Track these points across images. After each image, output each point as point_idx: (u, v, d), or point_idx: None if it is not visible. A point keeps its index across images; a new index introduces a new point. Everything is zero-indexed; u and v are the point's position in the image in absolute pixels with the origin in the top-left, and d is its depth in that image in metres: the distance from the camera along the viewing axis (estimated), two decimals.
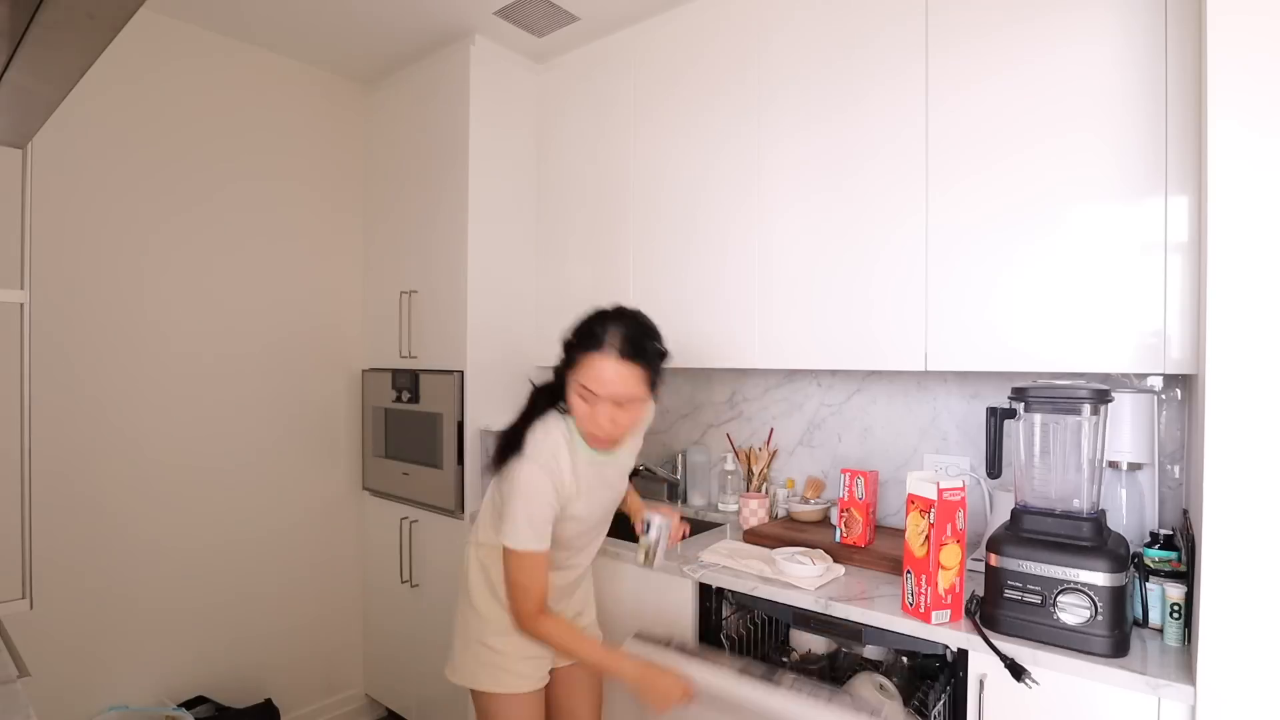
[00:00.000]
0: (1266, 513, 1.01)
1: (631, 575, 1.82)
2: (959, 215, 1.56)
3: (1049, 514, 1.31)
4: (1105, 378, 1.62)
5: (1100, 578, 1.19)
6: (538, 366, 2.49)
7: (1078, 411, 1.31)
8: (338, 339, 2.64)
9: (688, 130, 2.06)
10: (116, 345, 2.08)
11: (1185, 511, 1.50)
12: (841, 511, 1.77)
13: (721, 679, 1.29)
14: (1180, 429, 1.57)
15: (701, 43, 2.03)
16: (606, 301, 1.31)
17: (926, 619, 1.34)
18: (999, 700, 1.26)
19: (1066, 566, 1.22)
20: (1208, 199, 1.06)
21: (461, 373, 2.26)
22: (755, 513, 2.02)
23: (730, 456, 2.26)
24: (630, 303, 2.17)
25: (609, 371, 1.26)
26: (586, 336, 1.31)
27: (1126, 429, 1.45)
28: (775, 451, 2.22)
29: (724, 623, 1.72)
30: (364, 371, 2.65)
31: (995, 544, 1.31)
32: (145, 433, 2.14)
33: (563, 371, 1.36)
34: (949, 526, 1.33)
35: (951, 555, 1.33)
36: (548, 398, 1.41)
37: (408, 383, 2.43)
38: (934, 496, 1.31)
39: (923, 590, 1.34)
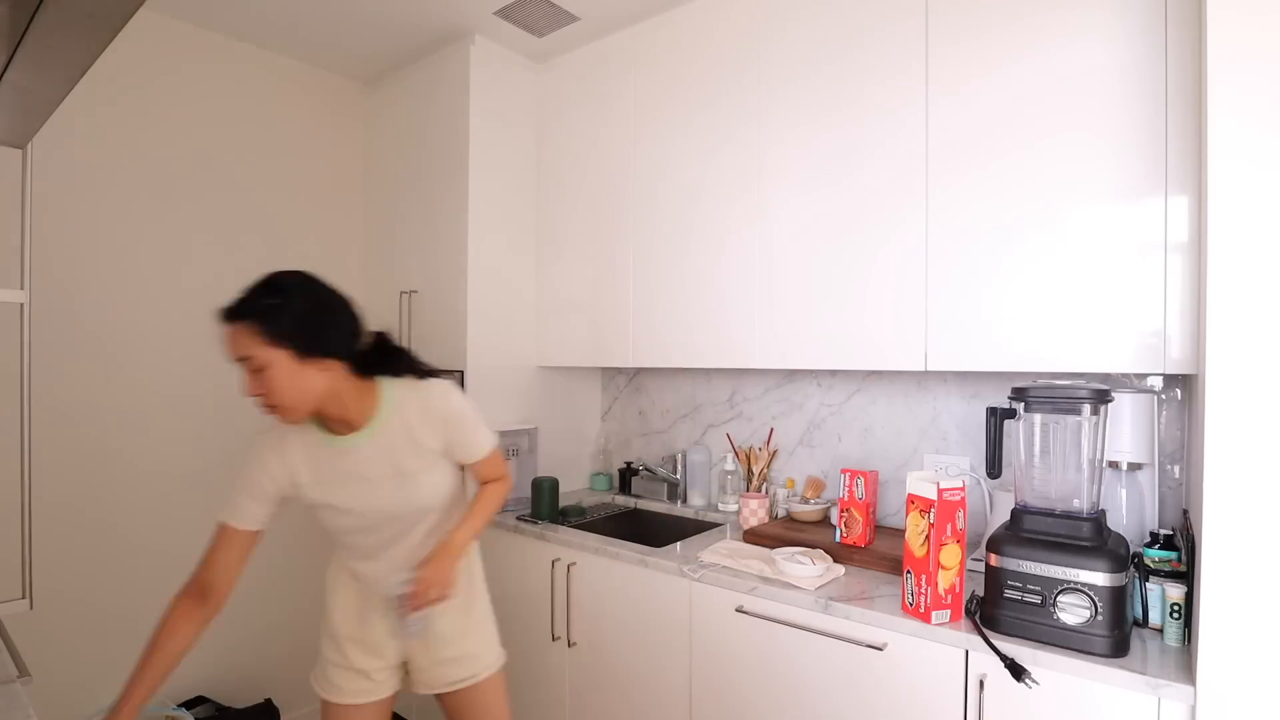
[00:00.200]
0: (1266, 513, 1.01)
1: (630, 576, 1.82)
2: (959, 215, 1.56)
3: (1049, 514, 1.31)
4: (1105, 378, 1.62)
5: (1100, 578, 1.19)
6: (538, 366, 2.49)
7: (1078, 411, 1.31)
8: None
9: (687, 129, 2.06)
10: (116, 345, 2.08)
11: (1185, 511, 1.50)
12: (841, 511, 1.77)
13: None
14: (1180, 429, 1.57)
15: (701, 42, 2.04)
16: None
17: (926, 619, 1.34)
18: (999, 700, 1.26)
19: (1066, 566, 1.22)
20: (1208, 199, 1.06)
21: (461, 373, 2.26)
22: (755, 513, 2.02)
23: (730, 456, 2.26)
24: (629, 302, 2.20)
25: (224, 337, 1.22)
26: None
27: (1126, 429, 1.45)
28: (775, 451, 2.22)
29: None
30: None
31: (995, 544, 1.31)
32: (146, 432, 2.14)
33: None
34: (949, 526, 1.33)
35: (951, 555, 1.33)
36: None
37: None
38: (934, 496, 1.32)
39: (923, 590, 1.35)
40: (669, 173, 2.11)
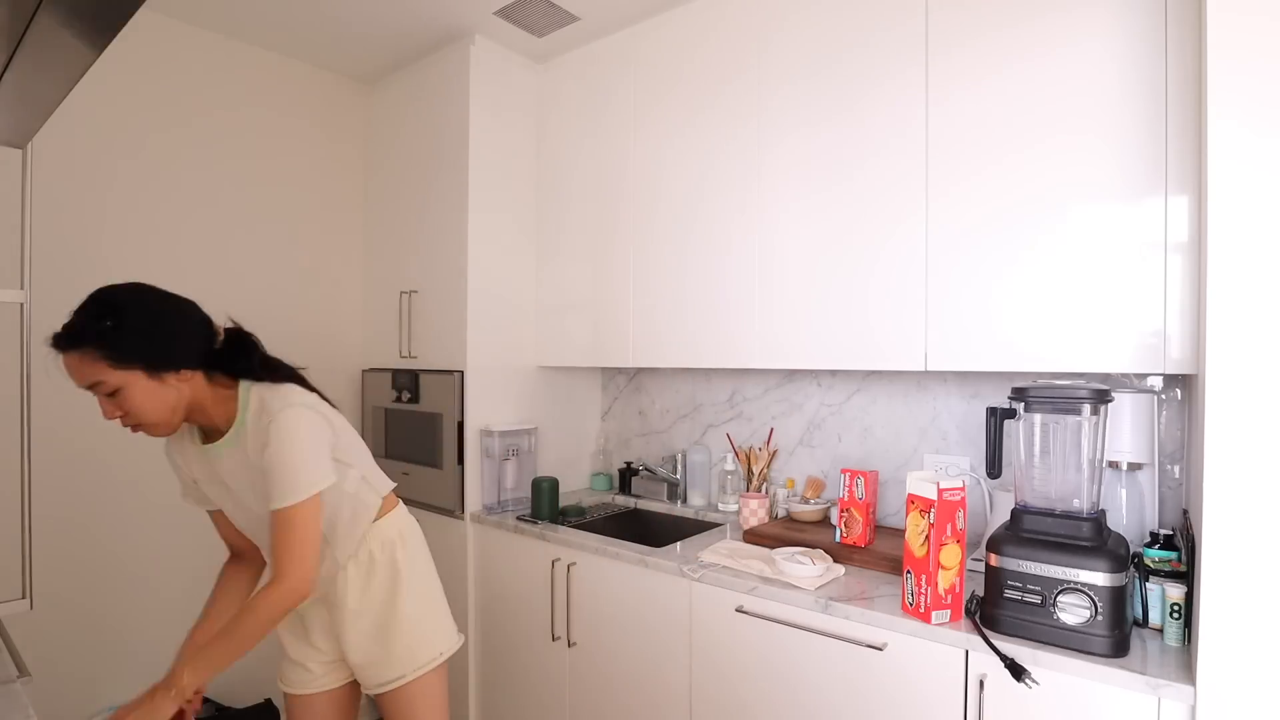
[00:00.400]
0: (1266, 513, 1.01)
1: (630, 576, 1.82)
2: (959, 215, 1.56)
3: (1049, 514, 1.31)
4: (1105, 378, 1.62)
5: (1100, 578, 1.19)
6: (538, 366, 2.49)
7: (1078, 411, 1.31)
8: (338, 339, 2.64)
9: (687, 130, 2.06)
10: None
11: (1185, 511, 1.50)
12: (841, 511, 1.77)
13: None
14: (1180, 429, 1.57)
15: (701, 43, 2.04)
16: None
17: (926, 619, 1.34)
18: (999, 700, 1.26)
19: (1066, 566, 1.22)
20: (1208, 199, 1.06)
21: (461, 373, 2.26)
22: (755, 513, 2.02)
23: (730, 456, 2.26)
24: (629, 302, 2.20)
25: (64, 366, 1.13)
26: None
27: (1126, 429, 1.45)
28: (775, 451, 2.22)
29: None
30: (364, 372, 2.65)
31: (995, 544, 1.31)
32: None
33: None
34: (949, 526, 1.33)
35: (951, 555, 1.33)
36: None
37: (408, 383, 2.43)
38: (934, 496, 1.32)
39: (923, 590, 1.35)
40: (669, 173, 2.11)
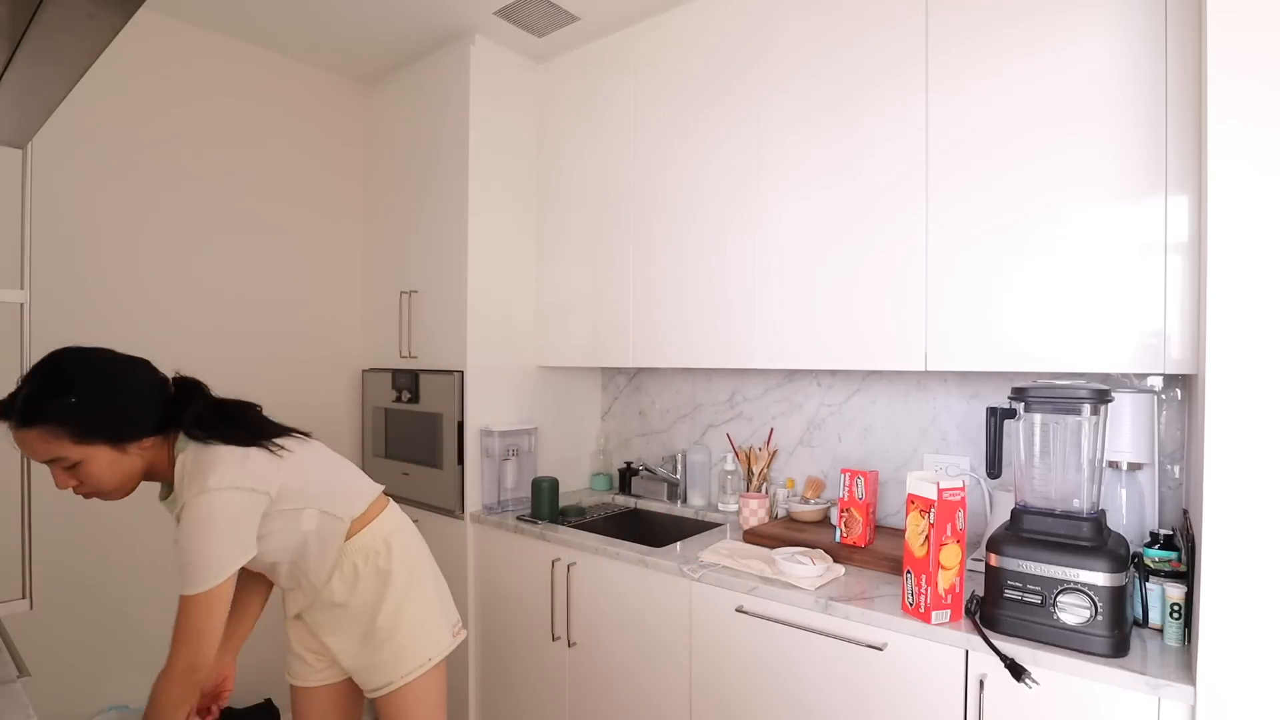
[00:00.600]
0: (1266, 513, 1.01)
1: (630, 576, 1.82)
2: (959, 215, 1.56)
3: (1049, 514, 1.31)
4: (1105, 378, 1.62)
5: (1100, 578, 1.19)
6: (538, 366, 2.49)
7: (1078, 411, 1.31)
8: (338, 339, 2.64)
9: (687, 130, 2.06)
10: (116, 345, 2.06)
11: (1185, 511, 1.50)
12: (841, 511, 1.77)
13: None
14: (1180, 429, 1.57)
15: (701, 43, 2.04)
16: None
17: (926, 619, 1.34)
18: (999, 700, 1.26)
19: (1066, 566, 1.22)
20: (1208, 199, 1.06)
21: (461, 373, 2.26)
22: (755, 513, 2.02)
23: (730, 456, 2.26)
24: (629, 302, 2.19)
25: (17, 444, 1.10)
26: None
27: (1126, 429, 1.45)
28: (775, 451, 2.22)
29: None
30: (364, 371, 2.65)
31: (995, 544, 1.31)
32: None
33: None
34: (949, 526, 1.33)
35: (951, 555, 1.33)
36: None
37: (408, 383, 2.43)
38: (934, 496, 1.32)
39: (923, 590, 1.34)
40: (669, 172, 2.11)
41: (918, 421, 1.94)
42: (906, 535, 1.38)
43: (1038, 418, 1.37)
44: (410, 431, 2.43)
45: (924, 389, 1.93)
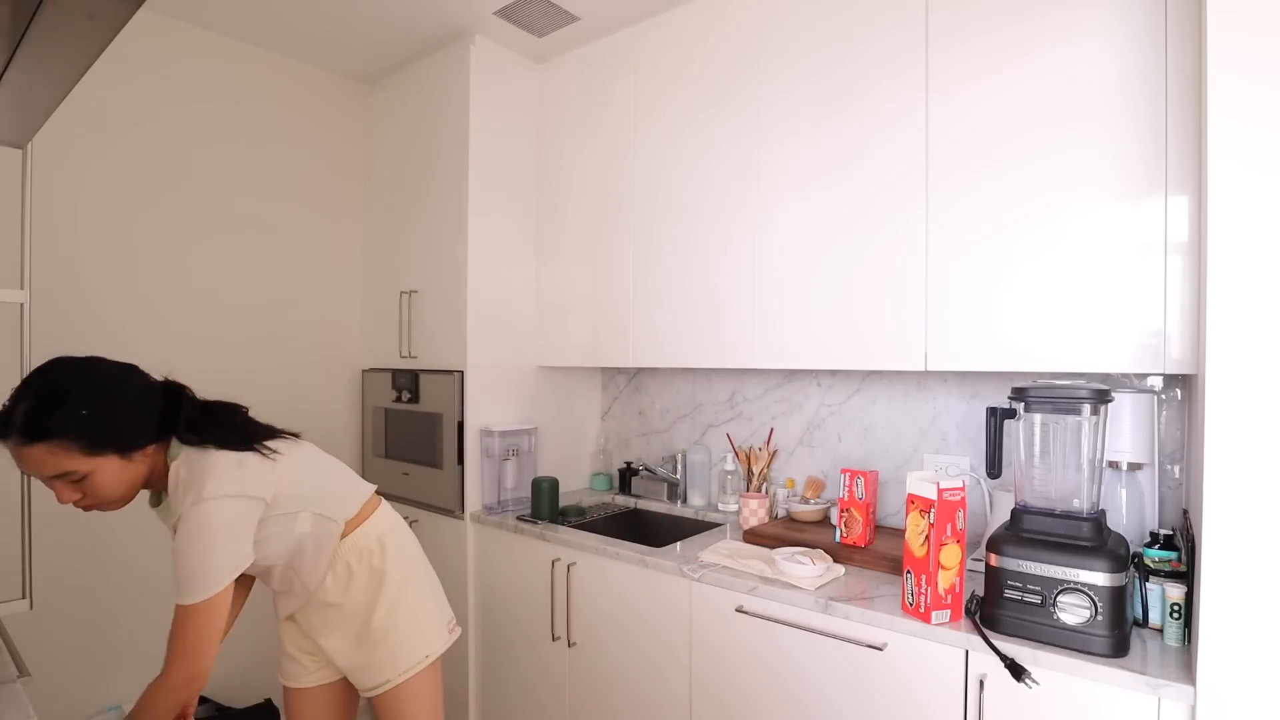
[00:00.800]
0: (1266, 513, 1.01)
1: (630, 576, 1.82)
2: (959, 215, 1.56)
3: (1049, 514, 1.31)
4: (1105, 378, 1.62)
5: (1100, 578, 1.19)
6: (538, 366, 2.49)
7: (1078, 411, 1.31)
8: (338, 339, 2.64)
9: (687, 130, 2.06)
10: (116, 345, 2.07)
11: (1185, 511, 1.50)
12: (841, 511, 1.77)
13: None
14: (1180, 429, 1.57)
15: (701, 43, 2.04)
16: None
17: (926, 619, 1.34)
18: (999, 700, 1.26)
19: (1066, 566, 1.22)
20: (1208, 199, 1.06)
21: (461, 373, 2.26)
22: (755, 513, 2.02)
23: (730, 456, 2.26)
24: (629, 302, 2.19)
25: (19, 461, 1.07)
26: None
27: (1126, 429, 1.45)
28: (775, 451, 2.22)
29: None
30: (364, 371, 2.65)
31: (995, 544, 1.31)
32: None
33: None
34: (949, 526, 1.33)
35: (951, 555, 1.33)
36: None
37: (408, 383, 2.43)
38: (934, 496, 1.32)
39: (923, 590, 1.34)
40: (669, 172, 2.11)
41: (918, 421, 1.94)
42: (906, 535, 1.38)
43: (1038, 418, 1.37)
44: (410, 431, 2.43)
45: (924, 389, 1.93)
